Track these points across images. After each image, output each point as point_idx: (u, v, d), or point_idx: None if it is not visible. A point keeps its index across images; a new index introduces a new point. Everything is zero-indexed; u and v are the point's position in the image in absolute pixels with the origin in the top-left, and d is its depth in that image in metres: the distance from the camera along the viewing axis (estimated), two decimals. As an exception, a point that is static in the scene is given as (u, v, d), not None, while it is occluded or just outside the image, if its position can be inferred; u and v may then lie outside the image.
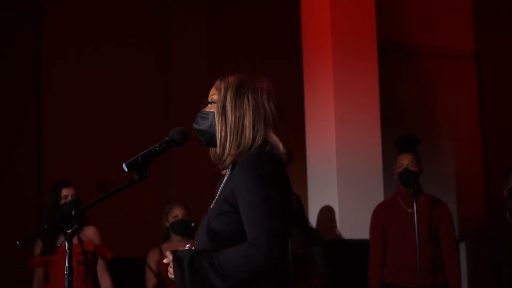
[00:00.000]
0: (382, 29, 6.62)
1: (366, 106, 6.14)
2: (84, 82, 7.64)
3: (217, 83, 2.46)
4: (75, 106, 7.57)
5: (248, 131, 2.36)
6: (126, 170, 2.32)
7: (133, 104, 7.82)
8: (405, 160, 5.14)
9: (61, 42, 7.60)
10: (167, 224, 5.59)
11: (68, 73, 7.59)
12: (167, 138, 2.41)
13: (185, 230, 5.52)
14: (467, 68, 8.12)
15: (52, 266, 5.07)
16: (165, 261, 2.33)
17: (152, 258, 5.55)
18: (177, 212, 5.57)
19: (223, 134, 2.37)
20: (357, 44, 6.18)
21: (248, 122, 2.36)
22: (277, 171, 2.31)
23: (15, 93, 7.41)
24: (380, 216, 5.24)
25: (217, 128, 2.39)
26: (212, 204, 2.42)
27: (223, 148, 2.38)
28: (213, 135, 2.41)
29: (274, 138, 2.37)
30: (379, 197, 5.86)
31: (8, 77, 7.39)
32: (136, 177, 2.33)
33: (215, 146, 2.43)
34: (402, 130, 6.54)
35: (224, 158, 2.38)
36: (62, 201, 5.13)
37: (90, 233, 5.18)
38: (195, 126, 2.46)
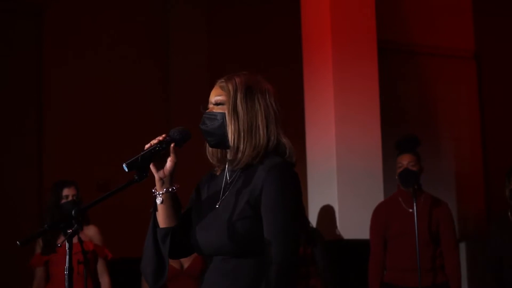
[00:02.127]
0: (382, 29, 6.62)
1: (366, 106, 6.13)
2: (84, 82, 7.63)
3: (222, 84, 2.42)
4: (75, 106, 7.56)
5: (262, 132, 2.37)
6: (126, 170, 2.31)
7: (133, 104, 7.82)
8: (404, 160, 5.15)
9: (61, 42, 7.59)
10: None
11: (68, 73, 7.58)
12: (167, 138, 2.39)
13: None
14: (467, 68, 8.12)
15: (52, 265, 5.06)
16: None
17: None
18: None
19: (236, 134, 2.36)
20: (357, 44, 6.18)
21: (261, 123, 2.37)
22: (299, 182, 2.38)
23: (15, 94, 7.41)
24: (380, 215, 5.23)
25: (229, 129, 2.37)
26: (219, 202, 2.39)
27: (237, 148, 2.37)
28: (223, 136, 2.38)
29: (285, 139, 2.40)
30: (379, 197, 5.85)
31: (9, 78, 7.39)
32: (136, 177, 2.32)
33: (225, 147, 2.42)
34: (402, 130, 6.54)
35: (238, 159, 2.37)
36: (63, 201, 5.12)
37: (91, 232, 5.16)
38: (202, 127, 2.42)
